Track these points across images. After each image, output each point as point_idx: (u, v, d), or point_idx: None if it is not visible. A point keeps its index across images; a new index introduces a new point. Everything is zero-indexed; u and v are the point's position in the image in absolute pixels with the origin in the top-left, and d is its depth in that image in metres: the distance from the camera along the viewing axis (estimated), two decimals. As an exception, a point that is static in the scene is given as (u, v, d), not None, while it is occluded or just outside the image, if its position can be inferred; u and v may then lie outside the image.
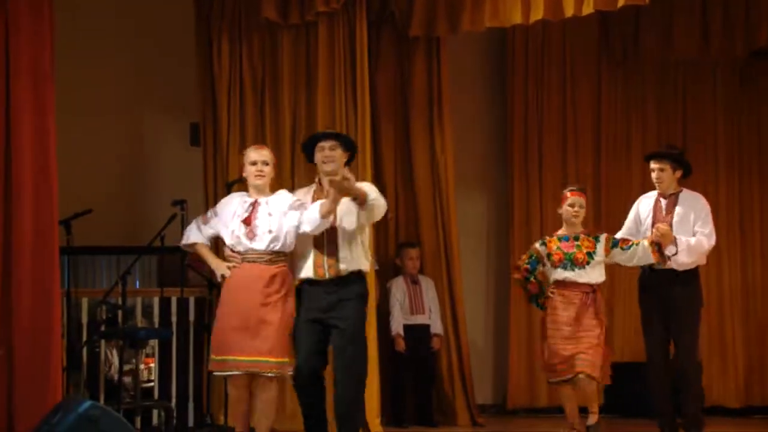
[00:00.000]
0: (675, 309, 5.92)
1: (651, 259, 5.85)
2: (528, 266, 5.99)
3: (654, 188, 6.14)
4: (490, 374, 7.92)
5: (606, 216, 7.84)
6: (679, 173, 6.05)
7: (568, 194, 6.01)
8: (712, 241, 6.01)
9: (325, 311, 5.15)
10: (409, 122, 7.33)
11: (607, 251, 5.93)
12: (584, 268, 5.90)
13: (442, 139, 7.30)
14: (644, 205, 6.16)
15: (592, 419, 5.90)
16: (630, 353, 7.61)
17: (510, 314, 7.78)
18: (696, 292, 6.03)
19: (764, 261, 8.08)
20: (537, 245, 6.07)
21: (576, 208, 5.96)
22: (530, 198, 7.94)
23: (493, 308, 8.01)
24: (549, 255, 5.96)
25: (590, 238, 5.98)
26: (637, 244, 5.89)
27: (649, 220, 6.05)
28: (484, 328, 7.97)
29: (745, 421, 7.58)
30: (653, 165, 6.06)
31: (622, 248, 5.92)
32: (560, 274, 5.91)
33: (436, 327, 7.07)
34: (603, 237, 5.99)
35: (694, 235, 5.94)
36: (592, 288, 5.92)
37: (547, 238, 6.07)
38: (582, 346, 5.79)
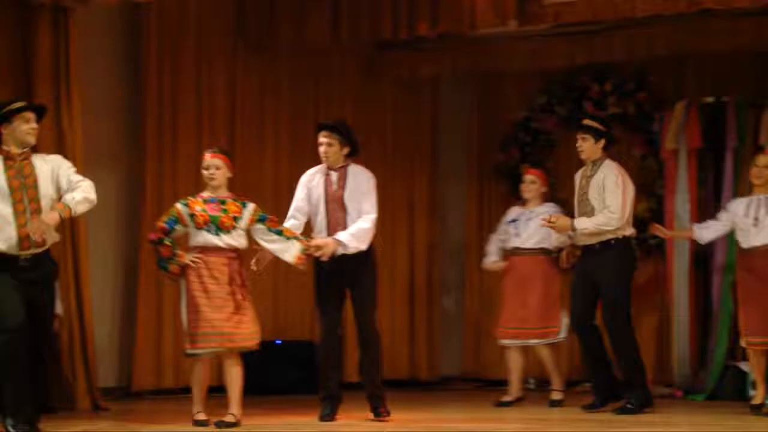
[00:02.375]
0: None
1: (290, 258, 5.92)
2: (166, 225, 5.84)
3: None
4: (115, 356, 7.73)
5: (240, 190, 7.77)
6: (346, 150, 6.20)
7: (208, 156, 5.97)
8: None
9: None
10: (33, 96, 6.90)
11: (252, 222, 5.91)
12: (230, 232, 5.86)
13: (70, 115, 6.97)
14: (311, 181, 6.27)
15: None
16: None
17: (138, 294, 7.67)
18: (372, 269, 6.28)
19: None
20: (178, 205, 5.91)
21: (211, 171, 5.91)
22: (164, 177, 7.85)
23: (121, 287, 7.82)
24: (192, 216, 5.85)
25: (237, 203, 5.95)
26: (288, 238, 5.93)
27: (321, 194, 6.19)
28: (111, 308, 7.76)
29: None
30: (321, 139, 6.21)
31: (268, 228, 5.92)
32: (203, 237, 5.83)
33: (56, 307, 6.78)
34: (251, 206, 5.95)
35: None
36: (237, 254, 5.90)
37: (190, 198, 5.93)
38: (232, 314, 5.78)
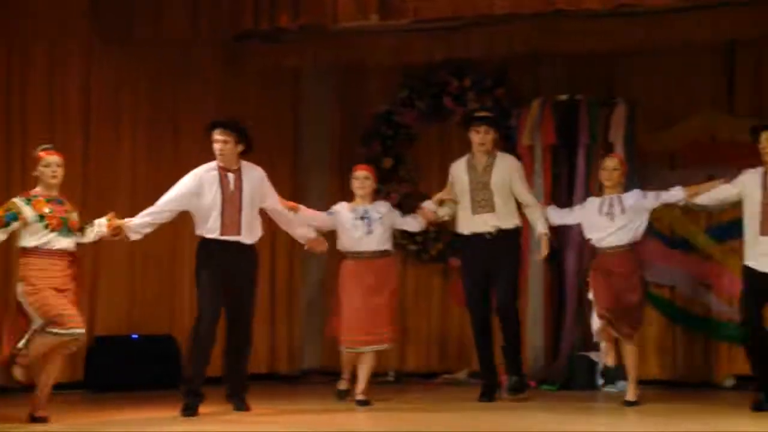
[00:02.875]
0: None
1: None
2: (4, 219, 5.67)
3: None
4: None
5: (95, 189, 7.88)
6: (241, 147, 6.32)
7: (47, 153, 5.85)
8: None
9: None
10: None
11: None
12: (75, 234, 5.85)
13: None
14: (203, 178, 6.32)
15: None
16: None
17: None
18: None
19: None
20: (19, 201, 5.74)
21: (53, 168, 5.81)
22: (11, 180, 7.48)
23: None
24: (41, 217, 5.72)
25: (70, 204, 5.93)
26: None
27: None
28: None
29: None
30: (217, 137, 6.29)
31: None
32: (48, 238, 5.73)
33: None
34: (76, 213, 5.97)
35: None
36: (74, 255, 5.86)
37: (33, 197, 5.78)
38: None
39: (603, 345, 7.10)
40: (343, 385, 7.14)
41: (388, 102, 9.32)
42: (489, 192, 6.99)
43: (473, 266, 7.07)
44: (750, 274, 6.57)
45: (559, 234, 8.12)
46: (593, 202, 7.09)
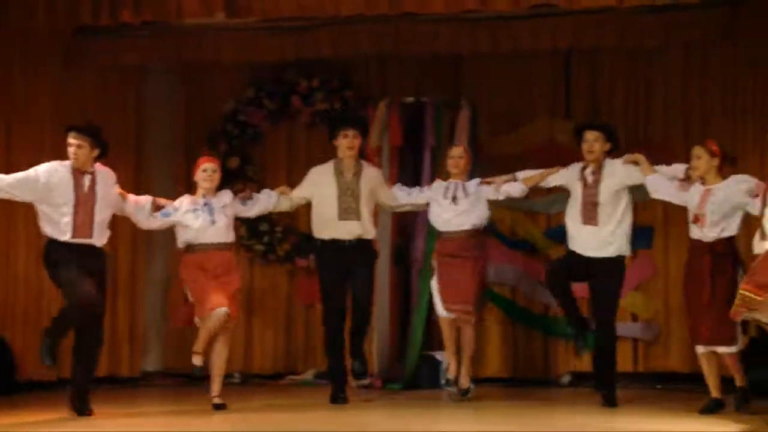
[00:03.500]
0: None
1: None
2: None
3: None
4: None
5: None
6: (96, 152, 6.45)
7: None
8: None
9: None
10: None
11: None
12: None
13: None
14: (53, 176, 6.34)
15: None
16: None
17: None
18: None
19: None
20: None
21: None
22: None
23: None
24: None
25: None
26: None
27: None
28: None
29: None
30: (71, 140, 6.39)
31: None
32: None
33: None
34: None
35: None
36: None
37: None
38: None
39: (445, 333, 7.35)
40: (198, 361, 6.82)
41: (234, 101, 9.33)
42: (356, 199, 7.07)
43: (334, 269, 7.10)
44: (572, 254, 7.06)
45: (402, 228, 8.49)
46: (439, 184, 7.39)
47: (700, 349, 6.58)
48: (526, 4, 7.44)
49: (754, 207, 6.36)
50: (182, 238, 6.96)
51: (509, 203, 7.87)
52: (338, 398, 7.04)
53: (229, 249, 7.02)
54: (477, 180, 7.32)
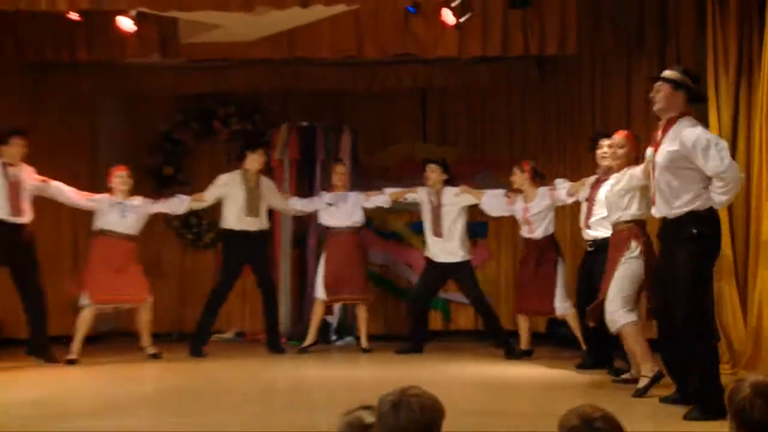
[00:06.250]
0: None
1: None
2: None
3: None
4: None
5: None
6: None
7: None
8: None
9: None
10: None
11: None
12: None
13: None
14: None
15: None
16: None
17: None
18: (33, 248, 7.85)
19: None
20: None
21: None
22: None
23: None
24: None
25: None
26: None
27: None
28: None
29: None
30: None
31: None
32: None
33: None
34: None
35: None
36: None
37: None
38: None
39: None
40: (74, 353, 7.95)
41: (168, 123, 10.20)
42: (258, 202, 8.51)
43: (236, 255, 8.54)
44: (429, 261, 8.64)
45: (302, 224, 9.69)
46: (325, 195, 8.95)
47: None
48: (392, 52, 8.38)
49: (564, 199, 7.83)
50: (96, 225, 8.10)
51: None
52: (197, 351, 8.34)
53: (134, 240, 8.16)
54: (356, 192, 8.75)
